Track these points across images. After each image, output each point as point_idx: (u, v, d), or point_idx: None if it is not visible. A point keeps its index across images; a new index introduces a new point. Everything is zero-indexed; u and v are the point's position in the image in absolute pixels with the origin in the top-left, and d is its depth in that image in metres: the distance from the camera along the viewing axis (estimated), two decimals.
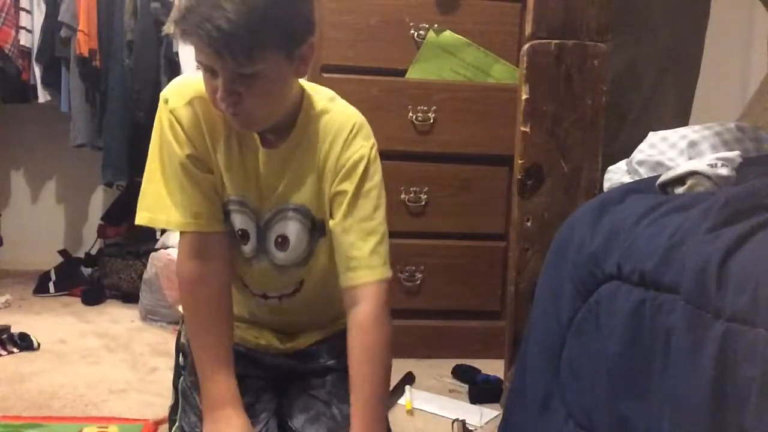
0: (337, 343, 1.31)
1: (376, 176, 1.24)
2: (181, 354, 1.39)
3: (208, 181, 1.21)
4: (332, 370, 1.35)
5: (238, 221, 1.26)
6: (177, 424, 1.32)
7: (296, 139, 1.22)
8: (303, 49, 1.12)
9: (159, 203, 1.22)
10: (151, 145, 1.23)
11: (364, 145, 1.23)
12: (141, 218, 1.24)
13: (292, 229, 1.26)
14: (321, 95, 1.26)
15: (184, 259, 1.23)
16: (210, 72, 1.08)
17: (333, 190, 1.22)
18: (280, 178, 1.23)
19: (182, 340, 1.38)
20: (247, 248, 1.28)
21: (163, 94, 1.22)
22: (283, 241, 1.26)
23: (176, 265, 1.26)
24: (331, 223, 1.22)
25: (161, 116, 1.21)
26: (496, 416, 1.78)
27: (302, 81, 1.24)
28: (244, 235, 1.27)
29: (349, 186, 1.21)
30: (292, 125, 1.22)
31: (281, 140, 1.22)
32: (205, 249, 1.22)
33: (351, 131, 1.23)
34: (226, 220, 1.26)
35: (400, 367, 2.06)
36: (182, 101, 1.19)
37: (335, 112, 1.25)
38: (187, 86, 1.21)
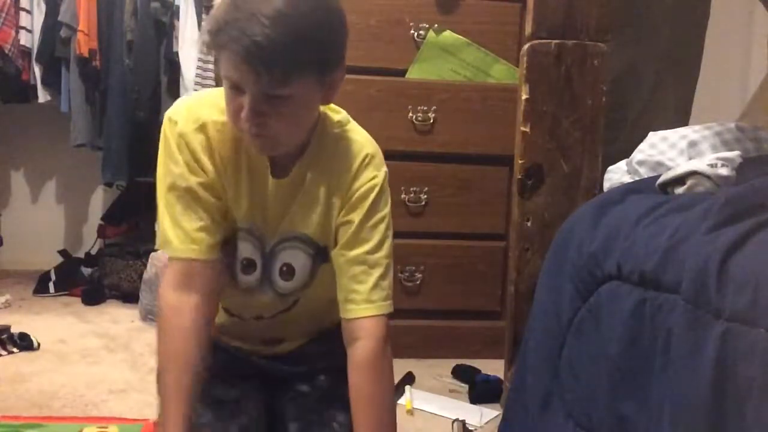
0: (326, 342, 1.30)
1: (386, 207, 1.20)
2: None
3: (216, 208, 1.17)
4: (323, 372, 1.34)
5: (245, 250, 1.23)
6: None
7: (306, 166, 1.19)
8: (334, 76, 1.11)
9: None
10: (158, 164, 1.19)
11: (376, 176, 1.19)
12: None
13: (299, 258, 1.23)
14: (335, 119, 1.22)
15: (166, 287, 1.17)
16: (236, 89, 1.04)
17: (340, 219, 1.19)
18: (287, 206, 1.20)
19: None
20: (252, 278, 1.25)
21: (170, 115, 1.17)
22: (288, 270, 1.23)
23: (158, 294, 1.21)
24: (333, 252, 1.20)
25: (168, 137, 1.16)
26: (496, 416, 1.78)
27: (323, 107, 1.20)
28: (250, 265, 1.24)
29: (356, 217, 1.17)
30: (304, 150, 1.19)
31: (291, 166, 1.18)
32: (190, 279, 1.15)
33: (363, 161, 1.19)
34: (231, 250, 1.23)
35: (400, 367, 2.06)
36: (193, 125, 1.15)
37: (348, 139, 1.21)
38: (197, 109, 1.16)
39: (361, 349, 1.15)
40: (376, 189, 1.18)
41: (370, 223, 1.18)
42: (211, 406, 1.27)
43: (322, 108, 1.19)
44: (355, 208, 1.18)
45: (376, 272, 1.17)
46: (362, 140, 1.21)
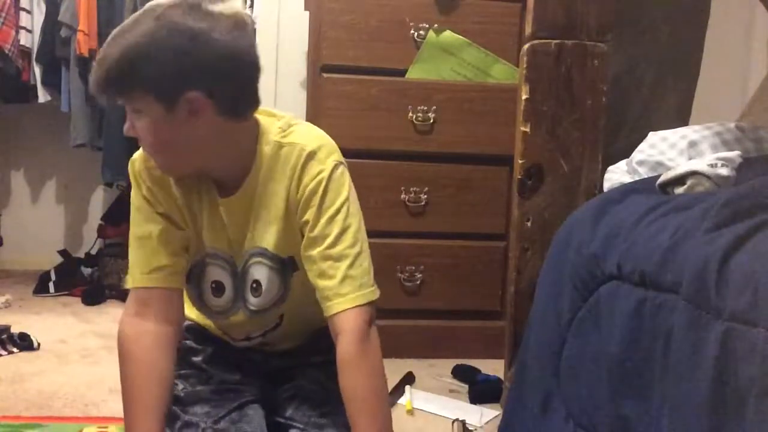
0: (322, 337, 1.29)
1: (340, 196, 1.17)
2: None
3: (178, 241, 1.20)
4: (319, 365, 1.34)
5: (213, 273, 1.25)
6: None
7: (253, 184, 1.19)
8: (187, 102, 1.08)
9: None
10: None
11: (322, 169, 1.17)
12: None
13: (263, 273, 1.23)
14: (274, 129, 1.20)
15: (125, 314, 1.19)
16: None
17: (299, 222, 1.18)
18: (244, 224, 1.20)
19: None
20: (222, 301, 1.27)
21: (132, 156, 1.24)
22: (257, 286, 1.24)
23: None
24: (301, 255, 1.19)
25: (130, 178, 1.24)
26: (496, 416, 1.78)
27: (260, 116, 1.21)
28: (219, 288, 1.26)
29: (310, 215, 1.16)
30: (249, 170, 1.19)
31: (240, 184, 1.19)
32: (147, 308, 1.17)
33: (305, 160, 1.17)
34: (200, 275, 1.26)
35: (400, 367, 2.06)
36: (144, 162, 1.21)
37: (289, 144, 1.19)
38: None
39: (342, 345, 1.13)
40: (323, 182, 1.16)
41: (325, 217, 1.15)
42: (212, 387, 1.29)
43: (262, 121, 1.20)
44: (308, 207, 1.16)
45: (343, 264, 1.14)
46: (302, 140, 1.19)
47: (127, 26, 1.10)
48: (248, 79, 1.12)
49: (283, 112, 1.25)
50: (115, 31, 1.10)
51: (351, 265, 1.15)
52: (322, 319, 1.25)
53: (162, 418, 1.15)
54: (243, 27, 1.09)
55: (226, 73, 1.08)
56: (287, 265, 1.23)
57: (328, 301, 1.15)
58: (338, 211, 1.16)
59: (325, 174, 1.16)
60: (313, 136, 1.21)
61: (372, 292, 1.16)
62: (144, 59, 1.05)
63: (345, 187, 1.18)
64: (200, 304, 1.30)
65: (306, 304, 1.26)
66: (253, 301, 1.25)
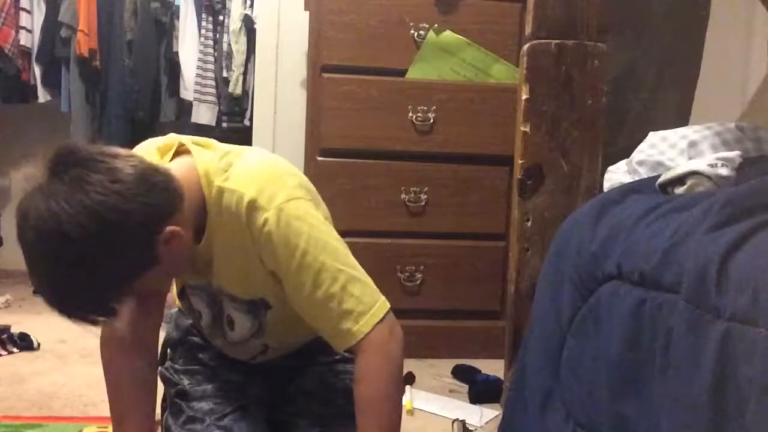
0: (319, 339, 1.32)
1: (299, 238, 1.06)
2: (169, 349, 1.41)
3: None
4: (321, 364, 1.35)
5: (195, 302, 1.27)
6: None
7: (210, 234, 1.12)
8: (163, 242, 1.03)
9: None
10: None
11: (266, 218, 1.06)
12: None
13: (234, 313, 1.23)
14: (213, 168, 1.10)
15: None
16: None
17: (266, 269, 1.12)
18: (209, 269, 1.17)
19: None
20: (204, 328, 1.29)
21: None
22: (229, 322, 1.25)
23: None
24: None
25: None
26: (496, 416, 1.78)
27: (195, 153, 1.12)
28: (199, 316, 1.28)
29: (276, 266, 1.09)
30: (205, 218, 1.12)
31: (203, 233, 1.13)
32: (127, 307, 1.17)
33: (247, 210, 1.07)
34: (188, 300, 1.28)
35: None
36: None
37: (228, 191, 1.09)
38: None
39: (359, 370, 1.11)
40: (272, 235, 1.06)
41: (292, 267, 1.07)
42: (217, 385, 1.30)
43: (198, 160, 1.11)
44: (270, 258, 1.09)
45: (333, 304, 1.08)
46: (240, 185, 1.08)
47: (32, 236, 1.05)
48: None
49: (217, 144, 1.17)
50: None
51: (341, 301, 1.07)
52: (306, 335, 1.28)
53: (144, 416, 1.18)
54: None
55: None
56: (258, 306, 1.21)
57: (332, 340, 1.12)
58: (304, 253, 1.07)
59: (272, 225, 1.06)
60: (251, 176, 1.10)
61: (377, 311, 1.10)
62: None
63: (301, 225, 1.07)
64: (194, 323, 1.33)
65: (290, 331, 1.26)
66: (230, 335, 1.26)
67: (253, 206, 1.07)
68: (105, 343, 1.20)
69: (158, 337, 1.29)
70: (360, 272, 1.11)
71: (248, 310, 1.22)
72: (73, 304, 1.02)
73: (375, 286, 1.12)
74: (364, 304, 1.09)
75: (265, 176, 1.10)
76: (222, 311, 1.24)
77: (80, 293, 1.01)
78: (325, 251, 1.08)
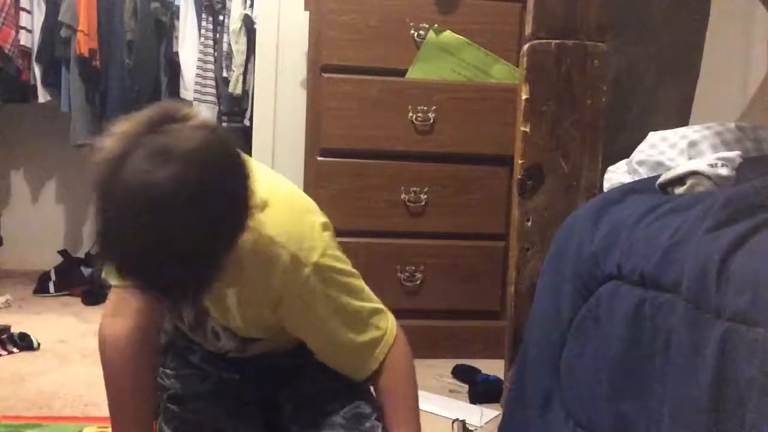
0: None
1: (334, 287, 1.12)
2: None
3: None
4: (315, 364, 1.35)
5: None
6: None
7: (233, 270, 1.04)
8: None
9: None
10: None
11: (308, 275, 1.09)
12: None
13: (221, 332, 1.23)
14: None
15: (104, 314, 1.18)
16: None
17: (273, 318, 1.15)
18: (217, 304, 1.16)
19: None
20: (186, 324, 1.28)
21: None
22: (215, 335, 1.25)
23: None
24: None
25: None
26: (496, 416, 1.78)
27: None
28: (180, 316, 1.27)
29: (300, 320, 1.14)
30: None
31: None
32: (124, 305, 1.14)
33: (286, 265, 1.08)
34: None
35: None
36: None
37: (266, 240, 1.07)
38: None
39: (381, 379, 1.19)
40: (315, 284, 1.10)
41: (326, 315, 1.13)
42: (210, 386, 1.30)
43: None
44: (297, 315, 1.13)
45: (355, 349, 1.17)
46: (279, 236, 1.07)
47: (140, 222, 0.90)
48: None
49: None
50: None
51: (358, 333, 1.16)
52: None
53: (145, 415, 1.17)
54: None
55: None
56: (247, 340, 1.24)
57: (353, 376, 1.20)
58: (339, 301, 1.13)
59: (313, 276, 1.09)
60: (290, 225, 1.10)
61: (386, 333, 1.19)
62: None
63: (332, 277, 1.12)
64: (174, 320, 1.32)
65: (278, 342, 1.27)
66: (214, 342, 1.26)
67: (293, 262, 1.08)
68: (106, 345, 1.18)
69: (160, 339, 1.28)
70: (372, 297, 1.20)
71: (239, 339, 1.23)
72: (188, 267, 0.93)
73: (379, 300, 1.21)
74: (378, 325, 1.18)
75: (299, 225, 1.11)
76: (204, 323, 1.23)
77: (200, 251, 0.92)
78: (342, 294, 1.14)
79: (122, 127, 0.92)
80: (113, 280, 1.17)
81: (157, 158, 0.87)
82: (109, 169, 0.90)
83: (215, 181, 0.90)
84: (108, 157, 0.90)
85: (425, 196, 2.29)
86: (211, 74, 3.01)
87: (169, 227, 0.88)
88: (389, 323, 1.20)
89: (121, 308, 1.15)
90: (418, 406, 1.24)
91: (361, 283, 1.19)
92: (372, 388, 1.24)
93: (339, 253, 1.16)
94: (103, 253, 0.93)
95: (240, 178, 0.94)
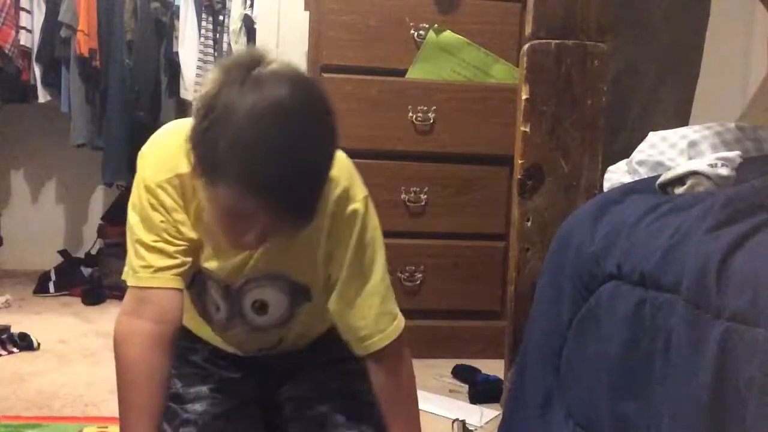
0: (316, 342, 1.32)
1: (371, 233, 1.17)
2: None
3: (182, 248, 1.13)
4: (315, 366, 1.34)
5: (210, 290, 1.23)
6: None
7: None
8: None
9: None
10: (130, 197, 1.16)
11: (357, 209, 1.14)
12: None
13: (270, 294, 1.22)
14: None
15: (122, 312, 1.16)
16: (236, 216, 1.00)
17: (329, 261, 1.16)
18: (252, 253, 1.16)
19: None
20: (220, 316, 1.25)
21: (142, 153, 1.15)
22: (261, 306, 1.23)
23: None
24: (332, 295, 1.18)
25: (138, 179, 1.15)
26: (496, 416, 1.78)
27: None
28: (214, 304, 1.25)
29: (342, 253, 1.15)
30: None
31: None
32: (143, 306, 1.12)
33: (339, 196, 1.13)
34: (201, 287, 1.22)
35: None
36: (158, 177, 1.12)
37: None
38: (167, 159, 1.12)
39: (383, 376, 1.19)
40: (358, 223, 1.14)
41: (357, 256, 1.15)
42: (211, 385, 1.29)
43: None
44: (344, 247, 1.15)
45: (376, 300, 1.16)
46: (336, 174, 1.11)
47: (291, 138, 0.95)
48: None
49: None
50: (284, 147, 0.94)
51: (384, 299, 1.17)
52: (319, 330, 1.28)
53: (156, 418, 1.15)
54: None
55: None
56: (299, 293, 1.22)
57: (366, 340, 1.17)
58: (369, 245, 1.16)
59: (360, 214, 1.15)
60: (343, 166, 1.15)
61: (401, 320, 1.20)
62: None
63: (374, 221, 1.18)
64: (203, 314, 1.28)
65: (307, 330, 1.28)
66: (256, 320, 1.24)
67: (346, 193, 1.13)
68: (125, 343, 1.14)
69: (177, 337, 1.26)
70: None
71: (290, 292, 1.21)
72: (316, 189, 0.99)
73: None
74: (396, 308, 1.20)
75: (353, 169, 1.17)
76: (243, 297, 1.21)
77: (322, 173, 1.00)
78: (381, 250, 1.18)
79: (223, 64, 0.99)
80: (132, 281, 1.14)
81: (275, 79, 0.96)
82: (233, 94, 0.94)
83: (324, 99, 1.00)
84: (225, 86, 0.95)
85: (425, 196, 2.29)
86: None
87: (303, 136, 0.95)
88: (400, 316, 1.21)
89: (142, 309, 1.12)
90: (418, 408, 1.25)
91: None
92: (373, 386, 1.22)
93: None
94: (234, 170, 0.93)
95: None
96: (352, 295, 1.16)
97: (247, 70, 0.96)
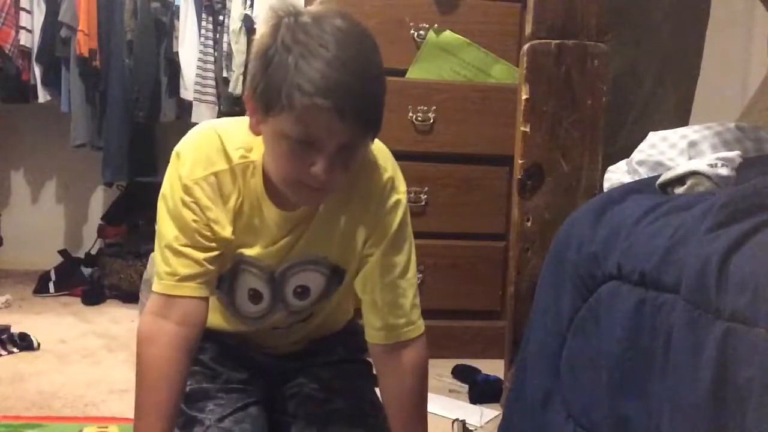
0: (324, 340, 1.33)
1: (409, 227, 1.22)
2: None
3: (214, 247, 1.12)
4: (322, 366, 1.34)
5: (250, 281, 1.21)
6: None
7: (339, 200, 1.16)
8: None
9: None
10: (160, 198, 1.14)
11: (400, 199, 1.19)
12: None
13: (311, 278, 1.22)
14: None
15: (146, 311, 1.16)
16: (307, 144, 1.00)
17: (368, 248, 1.19)
18: (297, 237, 1.17)
19: None
20: (262, 305, 1.24)
21: (177, 152, 1.13)
22: (303, 291, 1.23)
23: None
24: (363, 280, 1.20)
25: (173, 178, 1.12)
26: (496, 416, 1.78)
27: None
28: (256, 295, 1.23)
29: (385, 243, 1.18)
30: None
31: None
32: (169, 308, 1.12)
33: (386, 186, 1.18)
34: (232, 281, 1.21)
35: None
36: (195, 174, 1.11)
37: (371, 163, 1.17)
38: (203, 158, 1.11)
39: (411, 364, 1.21)
40: (400, 216, 1.19)
41: (398, 247, 1.19)
42: (219, 385, 1.29)
43: None
44: (384, 234, 1.18)
45: (411, 293, 1.21)
46: (383, 162, 1.18)
47: (354, 51, 1.04)
48: None
49: None
50: (346, 58, 1.01)
51: (415, 294, 1.22)
52: (333, 324, 1.32)
53: (172, 421, 1.14)
54: None
55: None
56: (336, 276, 1.23)
57: (399, 329, 1.20)
58: (406, 239, 1.21)
59: (403, 206, 1.19)
60: (387, 157, 1.20)
61: (420, 319, 1.25)
62: (384, 84, 1.10)
63: (409, 217, 1.22)
64: (233, 310, 1.26)
65: (330, 313, 1.32)
66: (297, 304, 1.25)
67: (393, 184, 1.18)
68: (150, 339, 1.14)
69: (198, 341, 1.21)
70: None
71: (329, 275, 1.22)
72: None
73: None
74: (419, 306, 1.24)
75: (392, 159, 1.21)
76: (285, 283, 1.21)
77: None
78: (413, 246, 1.23)
79: (271, 7, 1.03)
80: (157, 287, 1.13)
81: (324, 10, 1.04)
82: (292, 26, 0.99)
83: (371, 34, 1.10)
84: (281, 24, 1.00)
85: (425, 196, 2.29)
86: (211, 74, 3.01)
87: (363, 50, 1.08)
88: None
89: (168, 311, 1.12)
90: (426, 412, 1.25)
91: None
92: (379, 389, 1.24)
93: None
94: (307, 81, 0.97)
95: None
96: (390, 280, 1.20)
97: (296, 9, 1.02)
